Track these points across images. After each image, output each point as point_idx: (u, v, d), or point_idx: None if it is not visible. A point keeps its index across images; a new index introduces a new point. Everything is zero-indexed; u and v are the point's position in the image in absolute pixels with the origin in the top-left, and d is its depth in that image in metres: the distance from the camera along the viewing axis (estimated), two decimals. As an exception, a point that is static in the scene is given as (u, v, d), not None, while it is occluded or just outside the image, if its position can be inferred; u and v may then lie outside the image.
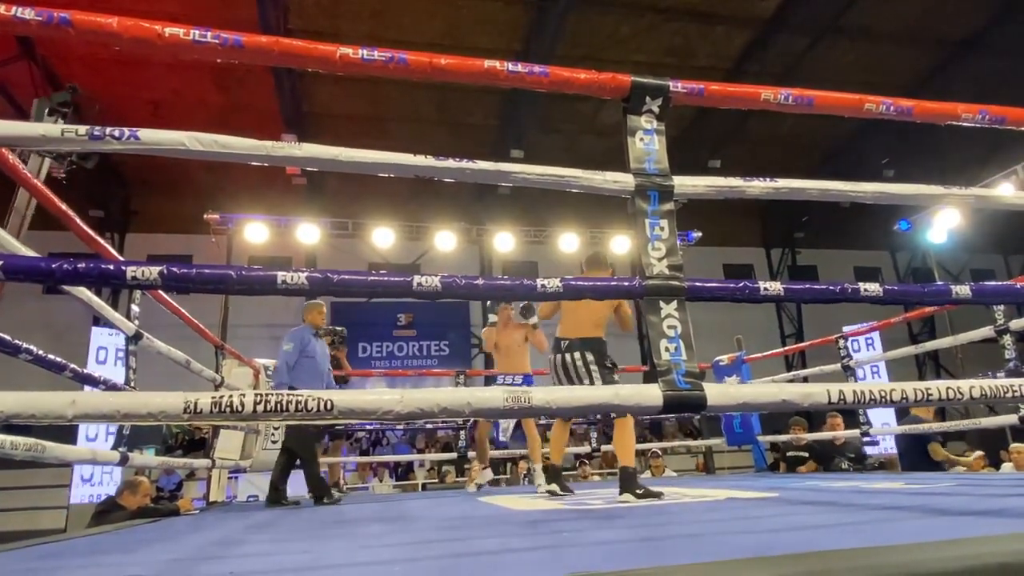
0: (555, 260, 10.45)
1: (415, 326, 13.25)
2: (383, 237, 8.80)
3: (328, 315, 12.66)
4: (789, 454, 6.33)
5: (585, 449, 7.28)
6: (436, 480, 9.73)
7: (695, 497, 3.16)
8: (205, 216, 7.91)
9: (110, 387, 3.23)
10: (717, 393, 1.11)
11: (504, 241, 9.37)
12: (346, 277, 1.24)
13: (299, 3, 8.92)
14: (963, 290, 1.32)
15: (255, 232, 8.12)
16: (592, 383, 3.34)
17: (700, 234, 9.37)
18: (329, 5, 8.99)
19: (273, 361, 5.72)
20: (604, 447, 7.05)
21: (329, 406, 1.16)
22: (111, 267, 1.24)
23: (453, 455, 6.96)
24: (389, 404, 1.15)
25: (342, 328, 6.00)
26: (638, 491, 3.10)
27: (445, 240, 9.06)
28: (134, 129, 1.36)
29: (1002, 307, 4.37)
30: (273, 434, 5.82)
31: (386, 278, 1.27)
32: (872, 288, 1.29)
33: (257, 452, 6.10)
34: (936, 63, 10.73)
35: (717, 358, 6.36)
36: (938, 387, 1.19)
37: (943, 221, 10.49)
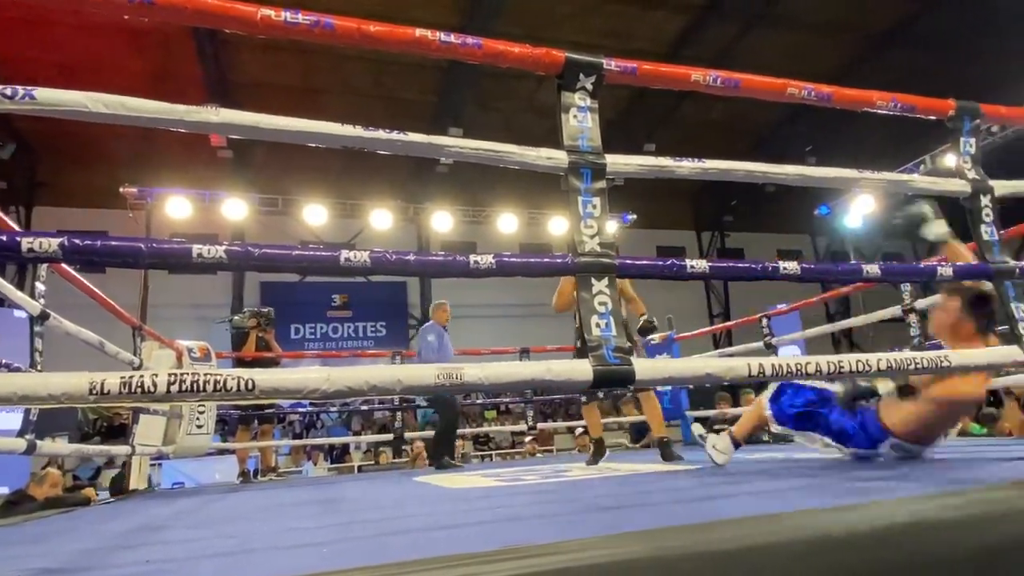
0: (494, 240, 10.43)
1: (350, 307, 12.98)
2: (315, 214, 8.54)
3: (256, 295, 12.20)
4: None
5: (522, 427, 7.37)
6: (372, 462, 9.64)
7: (626, 471, 3.26)
8: (121, 189, 7.41)
9: (12, 370, 3.01)
10: (644, 368, 1.13)
11: (442, 220, 9.27)
12: (269, 251, 1.18)
13: (224, -35, 8.43)
14: (873, 269, 1.40)
15: (177, 207, 7.70)
16: None
17: (635, 216, 9.56)
18: (257, -31, 8.54)
19: (198, 343, 5.48)
20: (540, 424, 7.16)
21: (251, 385, 1.11)
22: (2, 238, 1.13)
23: (389, 436, 6.88)
24: (315, 382, 1.11)
25: (269, 309, 5.80)
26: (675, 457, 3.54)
27: (381, 218, 8.88)
28: (29, 88, 1.24)
29: (908, 288, 4.68)
30: (199, 418, 5.58)
31: (312, 253, 1.21)
32: (791, 267, 1.35)
33: (181, 437, 5.84)
34: (857, 54, 11.26)
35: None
36: (849, 360, 1.26)
37: (859, 207, 11.14)
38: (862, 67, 11.16)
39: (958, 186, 1.72)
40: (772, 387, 2.56)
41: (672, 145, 12.11)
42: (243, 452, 5.88)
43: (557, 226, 9.15)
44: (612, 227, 9.72)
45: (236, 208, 8.10)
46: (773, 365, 1.19)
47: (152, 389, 1.11)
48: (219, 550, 1.46)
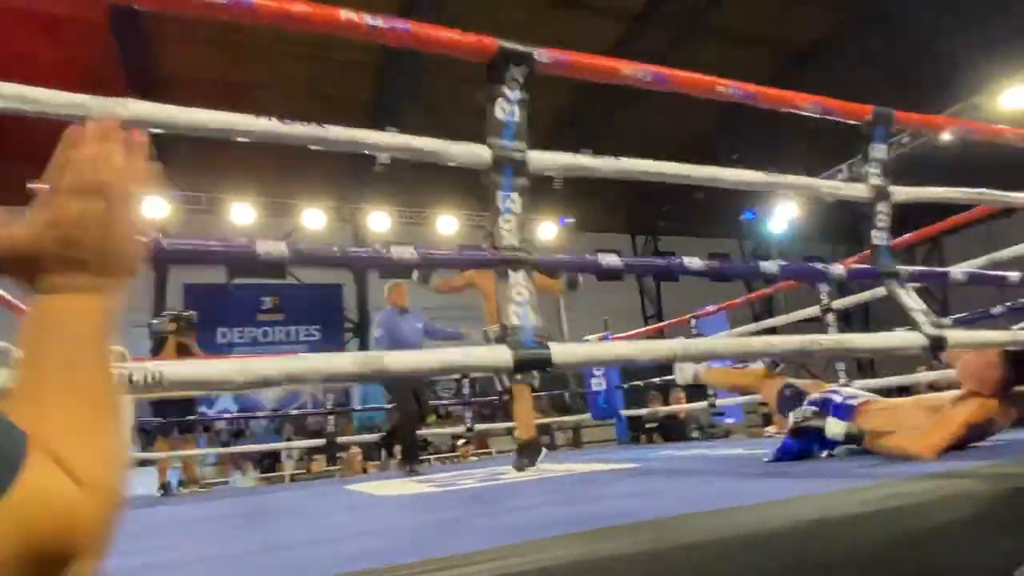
0: (433, 242, 10.34)
1: (282, 310, 12.56)
2: (242, 213, 8.24)
3: (180, 298, 11.69)
4: (648, 426, 6.82)
5: (460, 429, 7.33)
6: (304, 471, 9.36)
7: (561, 472, 3.29)
8: (29, 185, 6.91)
9: None
10: (561, 351, 1.14)
11: (379, 220, 9.14)
12: (179, 243, 1.13)
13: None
14: (771, 267, 1.47)
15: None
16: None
17: (573, 220, 9.72)
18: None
19: (113, 348, 5.16)
20: (478, 426, 7.14)
21: (158, 377, 1.05)
22: None
23: (322, 441, 6.68)
24: (228, 373, 1.06)
25: (190, 312, 5.54)
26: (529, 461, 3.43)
27: (314, 218, 8.67)
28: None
29: (827, 289, 4.95)
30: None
31: (226, 245, 1.16)
32: (696, 263, 1.40)
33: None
34: (784, 67, 11.82)
35: (586, 338, 6.64)
36: (756, 342, 1.32)
37: (783, 212, 11.72)
38: (789, 80, 11.72)
39: (859, 191, 1.82)
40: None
41: (608, 152, 12.44)
42: (163, 463, 5.59)
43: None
44: (551, 230, 9.86)
45: (156, 207, 7.73)
46: (684, 346, 1.23)
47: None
48: (120, 572, 1.38)
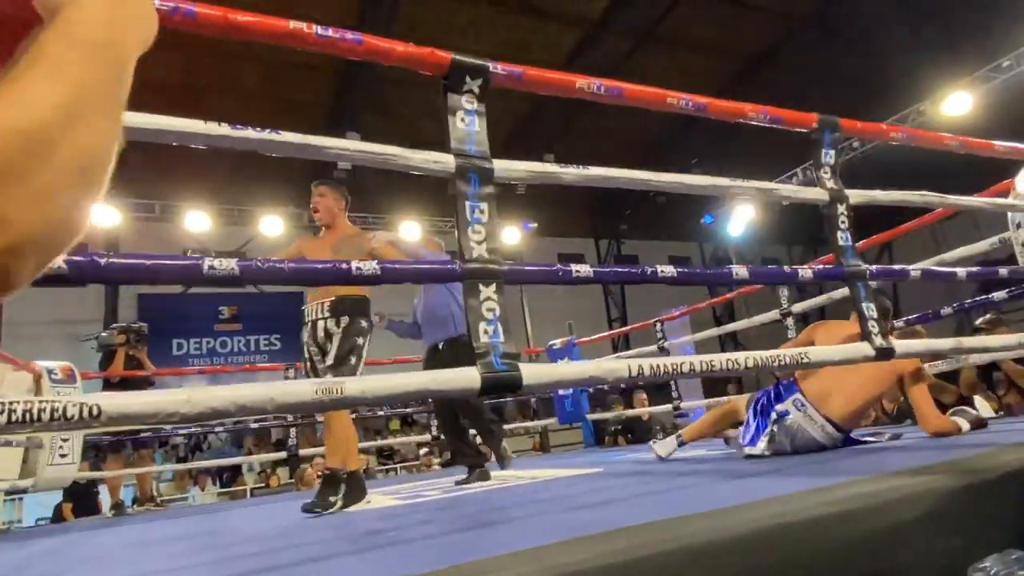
0: (394, 248, 10.23)
1: (240, 319, 12.22)
2: (197, 221, 7.99)
3: (133, 309, 11.28)
4: (612, 428, 6.88)
5: (426, 437, 7.22)
6: (264, 484, 9.11)
7: (527, 479, 3.26)
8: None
9: None
10: (532, 373, 1.11)
11: (339, 228, 8.99)
12: (116, 261, 1.06)
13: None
14: (741, 271, 1.47)
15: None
16: (326, 356, 2.91)
17: (536, 225, 9.73)
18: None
19: (60, 363, 4.94)
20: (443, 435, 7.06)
21: (95, 412, 0.98)
22: None
23: (283, 454, 6.49)
24: (173, 405, 1.00)
25: (140, 324, 5.33)
26: (331, 501, 2.67)
27: (272, 225, 8.47)
28: None
29: (786, 293, 5.06)
30: (62, 446, 5.03)
31: (169, 262, 1.10)
32: (667, 270, 1.39)
33: (42, 469, 5.24)
34: (736, 74, 12.09)
35: (551, 342, 6.65)
36: (720, 359, 1.32)
37: (740, 216, 11.99)
38: (742, 86, 12.01)
39: (817, 195, 1.86)
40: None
41: (570, 155, 12.48)
42: (115, 481, 5.37)
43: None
44: (515, 235, 9.86)
45: (107, 215, 7.43)
46: (652, 366, 1.22)
47: (-28, 421, 0.96)
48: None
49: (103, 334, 5.33)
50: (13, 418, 0.99)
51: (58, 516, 6.82)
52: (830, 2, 10.45)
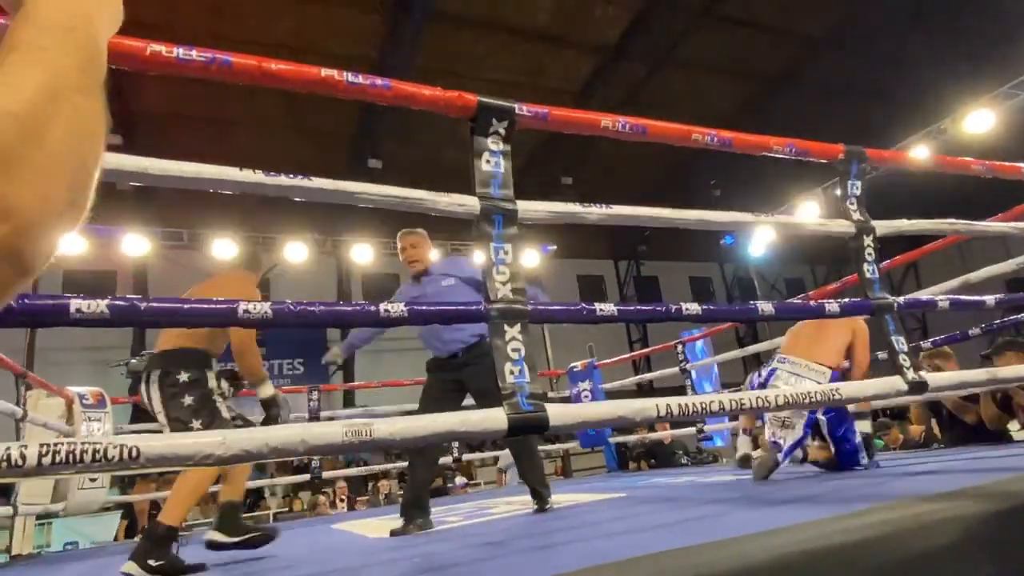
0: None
1: (265, 343, 12.33)
2: (224, 249, 8.15)
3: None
4: (635, 452, 6.81)
5: (447, 460, 7.20)
6: (287, 508, 9.13)
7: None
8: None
9: None
10: (558, 413, 1.13)
11: (363, 253, 9.09)
12: (156, 306, 1.10)
13: (124, -10, 8.03)
14: (767, 307, 1.48)
15: (68, 243, 7.14)
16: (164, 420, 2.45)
17: (555, 247, 9.75)
18: (160, -4, 8.22)
19: (91, 389, 5.06)
20: (466, 456, 7.04)
21: (135, 454, 1.02)
22: None
23: (306, 476, 6.49)
24: (208, 447, 1.03)
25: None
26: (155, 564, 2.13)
27: (297, 252, 8.60)
28: None
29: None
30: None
31: (206, 306, 1.14)
32: (693, 308, 1.40)
33: (72, 493, 5.33)
34: (754, 96, 12.10)
35: (571, 364, 6.63)
36: (749, 398, 1.31)
37: (761, 236, 11.89)
38: (760, 108, 12.00)
39: (844, 227, 1.85)
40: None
41: (588, 177, 12.55)
42: (143, 505, 5.43)
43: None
44: (534, 258, 9.90)
45: (136, 244, 7.62)
46: (680, 405, 1.23)
47: (20, 463, 1.00)
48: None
49: (133, 360, 5.43)
50: (57, 459, 1.03)
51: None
52: (845, 21, 10.45)
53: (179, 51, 1.25)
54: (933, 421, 4.69)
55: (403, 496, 3.25)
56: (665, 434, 6.70)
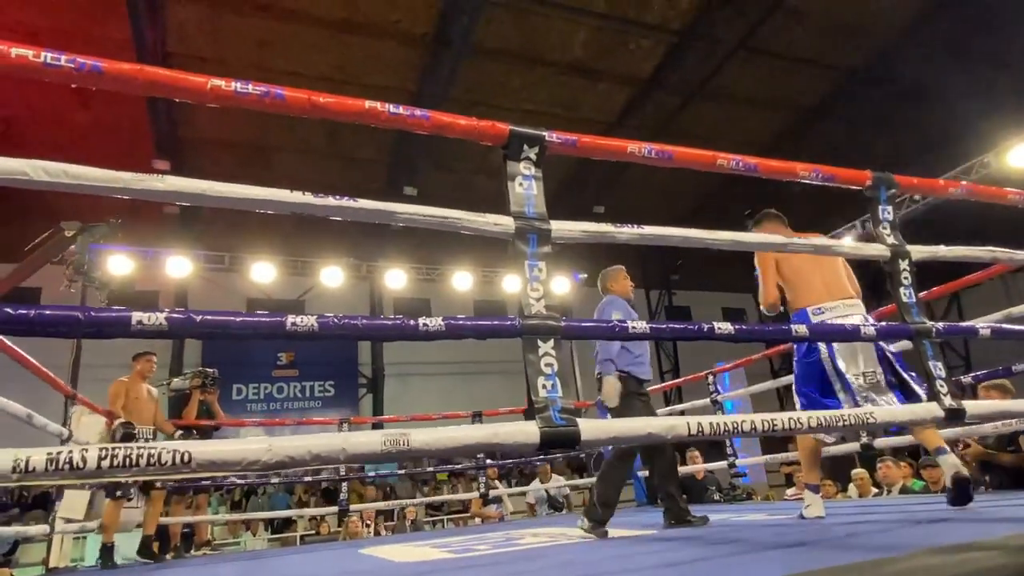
0: (448, 298, 10.43)
1: (297, 365, 12.59)
2: (263, 272, 8.38)
3: (197, 353, 11.69)
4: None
5: (474, 494, 7.17)
6: (315, 531, 9.15)
7: (576, 538, 3.20)
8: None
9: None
10: (590, 428, 1.15)
11: (395, 278, 9.24)
12: (210, 318, 1.17)
13: (179, 26, 8.48)
14: (801, 329, 1.48)
15: (117, 264, 7.44)
16: None
17: (587, 275, 9.77)
18: (212, 30, 8.62)
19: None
20: (492, 492, 7.00)
21: (187, 458, 1.07)
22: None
23: (334, 509, 6.51)
24: (256, 453, 1.08)
25: (213, 369, 5.57)
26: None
27: (332, 276, 8.79)
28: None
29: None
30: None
31: (256, 319, 1.20)
32: (725, 327, 1.41)
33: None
34: (789, 126, 12.04)
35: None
36: (782, 418, 1.32)
37: (796, 267, 11.69)
38: (794, 138, 11.94)
39: (878, 251, 1.85)
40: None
41: (620, 206, 12.59)
42: (175, 526, 5.53)
43: (511, 284, 9.24)
44: (565, 285, 9.94)
45: (180, 266, 7.89)
46: (711, 423, 1.24)
47: (82, 465, 1.06)
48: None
49: (176, 380, 5.58)
50: (115, 462, 1.09)
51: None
52: (882, 54, 10.39)
53: (236, 85, 1.35)
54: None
55: (598, 495, 3.30)
56: (697, 467, 6.56)
